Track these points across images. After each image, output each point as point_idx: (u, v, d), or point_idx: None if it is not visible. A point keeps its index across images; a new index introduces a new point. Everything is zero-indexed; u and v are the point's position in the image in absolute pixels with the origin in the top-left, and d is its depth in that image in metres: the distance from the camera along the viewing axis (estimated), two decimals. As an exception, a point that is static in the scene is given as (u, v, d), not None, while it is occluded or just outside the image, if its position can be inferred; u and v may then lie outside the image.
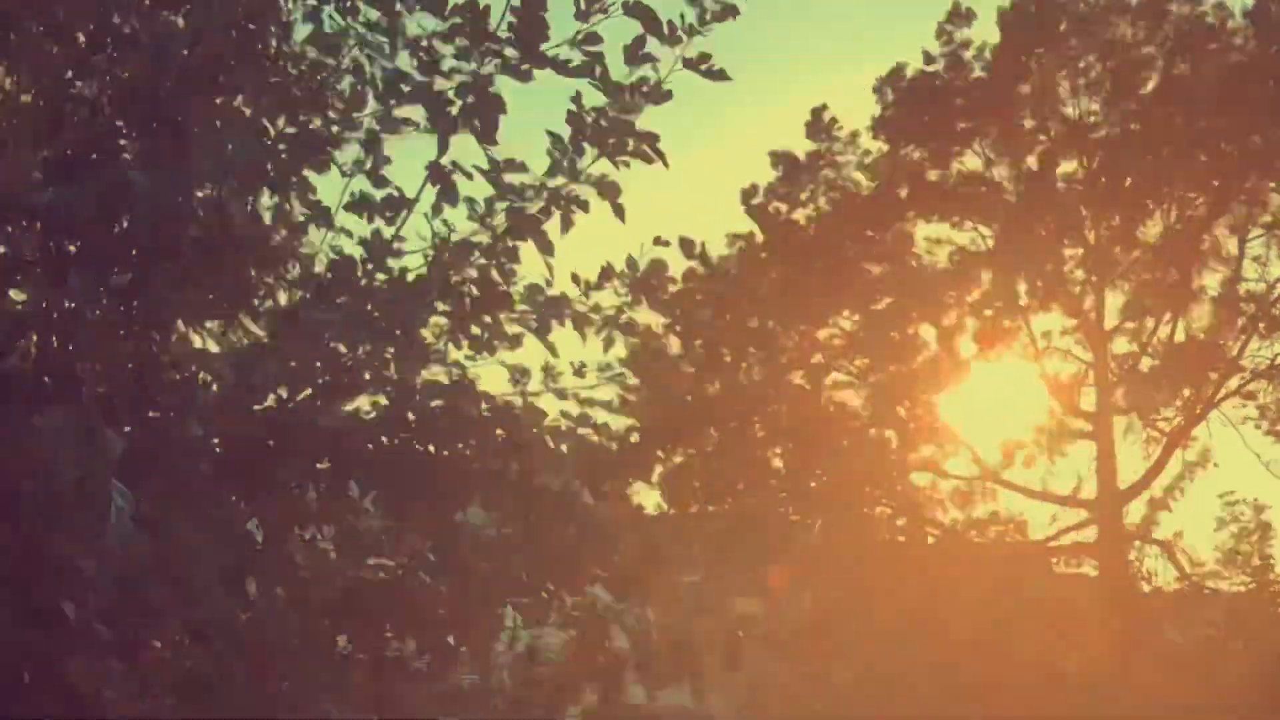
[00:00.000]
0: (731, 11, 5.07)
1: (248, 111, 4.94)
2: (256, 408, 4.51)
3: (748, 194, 31.98)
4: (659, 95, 5.08)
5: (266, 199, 5.04)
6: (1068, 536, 31.24)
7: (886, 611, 25.72)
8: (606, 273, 5.22)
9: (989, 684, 26.11)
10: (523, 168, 5.05)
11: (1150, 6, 29.96)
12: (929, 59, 30.85)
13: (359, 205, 5.17)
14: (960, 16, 30.81)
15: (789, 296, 30.34)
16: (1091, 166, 30.46)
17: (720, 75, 5.08)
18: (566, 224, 5.07)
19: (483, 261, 4.99)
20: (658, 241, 5.28)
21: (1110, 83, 30.19)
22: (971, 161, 31.16)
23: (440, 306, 4.89)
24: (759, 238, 31.72)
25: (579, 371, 5.03)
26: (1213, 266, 30.82)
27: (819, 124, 31.85)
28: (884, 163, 31.42)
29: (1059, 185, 30.77)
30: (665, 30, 4.99)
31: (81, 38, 4.86)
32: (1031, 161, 30.77)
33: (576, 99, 5.04)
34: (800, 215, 31.79)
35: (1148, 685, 26.39)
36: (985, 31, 31.66)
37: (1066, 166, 30.90)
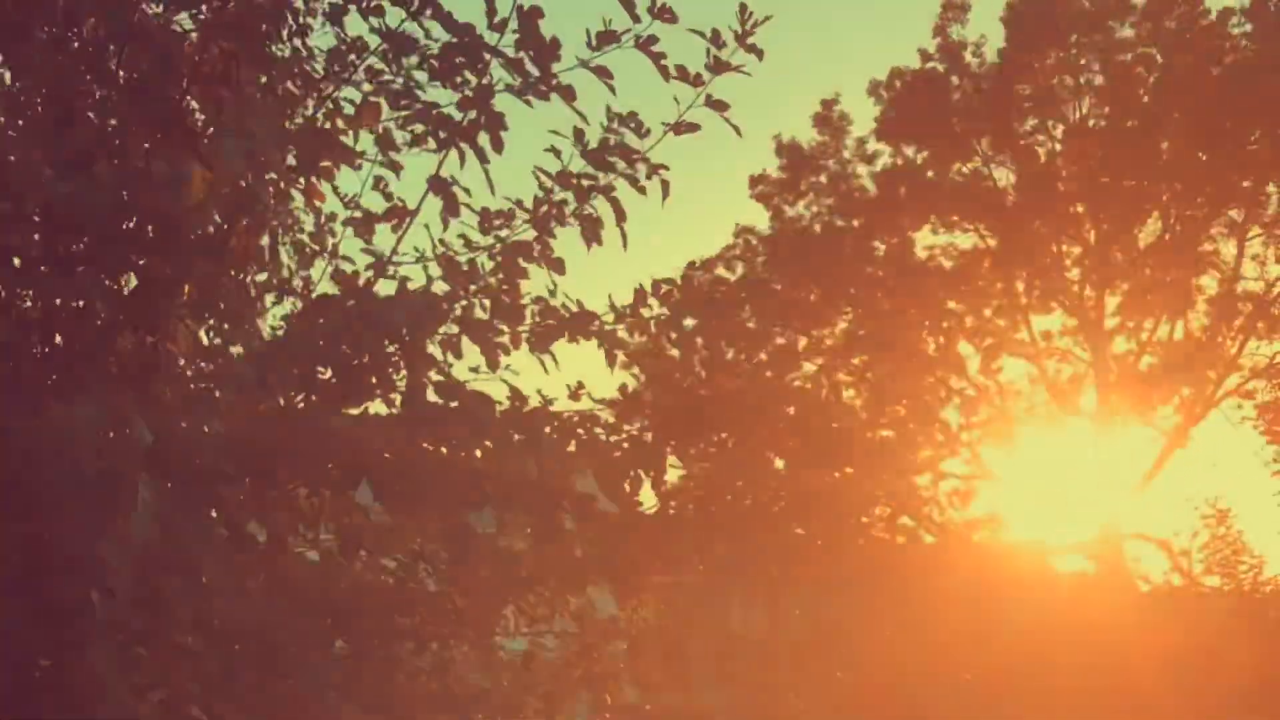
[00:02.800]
0: (740, 69, 5.12)
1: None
2: (268, 407, 4.54)
3: (755, 181, 32.03)
4: (683, 128, 5.16)
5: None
6: (1067, 536, 31.34)
7: (886, 611, 25.75)
8: (641, 295, 5.24)
9: (989, 683, 26.14)
10: (511, 215, 5.11)
11: (1150, 6, 30.00)
12: (926, 57, 30.90)
13: (362, 222, 5.22)
14: (955, 9, 30.82)
15: (789, 296, 30.40)
16: (1091, 166, 30.48)
17: (735, 128, 5.15)
18: (589, 242, 5.11)
19: (491, 280, 5.01)
20: (668, 281, 5.33)
21: (1110, 82, 30.22)
22: (971, 162, 31.20)
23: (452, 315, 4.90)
24: (761, 232, 31.81)
25: (575, 395, 5.05)
26: (1211, 266, 30.89)
27: (828, 117, 31.83)
28: (884, 163, 31.50)
29: (1059, 185, 30.81)
30: (673, 72, 5.05)
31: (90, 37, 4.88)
32: (1031, 162, 30.81)
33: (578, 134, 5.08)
34: (803, 210, 31.85)
35: (1147, 684, 26.42)
36: (982, 26, 31.75)
37: (1066, 166, 30.94)
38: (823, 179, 31.74)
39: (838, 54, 49.50)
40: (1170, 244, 30.56)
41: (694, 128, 5.16)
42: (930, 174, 31.21)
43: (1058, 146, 30.87)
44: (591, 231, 5.11)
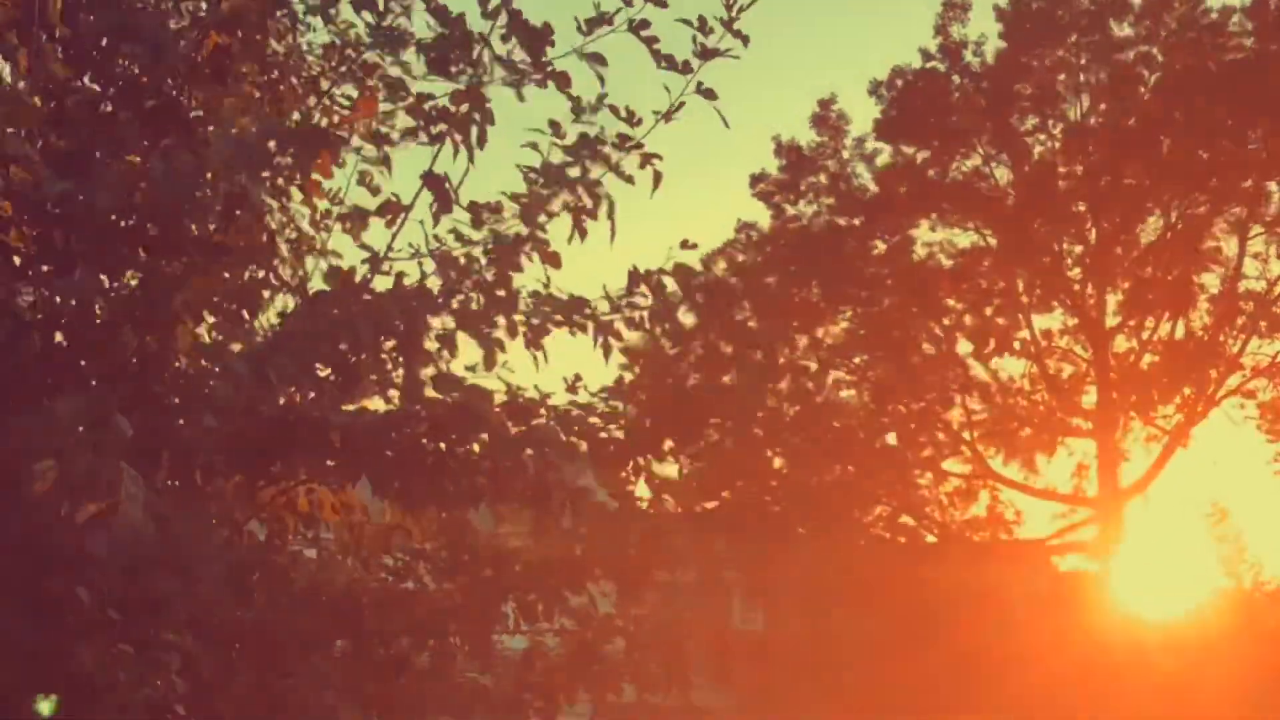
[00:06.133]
0: (729, 55, 5.12)
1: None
2: (266, 405, 4.52)
3: (756, 180, 32.02)
4: (671, 114, 5.14)
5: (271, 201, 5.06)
6: (1069, 534, 31.33)
7: (886, 611, 25.75)
8: (634, 278, 5.18)
9: (990, 683, 26.13)
10: (499, 209, 5.07)
11: (1150, 5, 29.98)
12: (927, 57, 30.89)
13: (356, 217, 5.21)
14: (956, 8, 30.81)
15: (789, 295, 30.41)
16: (1091, 165, 30.46)
17: (723, 118, 5.16)
18: (582, 233, 5.08)
19: (486, 274, 4.98)
20: (684, 245, 5.27)
21: (1110, 81, 30.20)
22: (972, 160, 31.18)
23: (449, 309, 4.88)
24: (763, 229, 31.80)
25: (572, 387, 5.02)
26: (1213, 265, 30.87)
27: (826, 117, 31.81)
28: (884, 162, 31.49)
29: (1059, 184, 30.79)
30: (664, 55, 5.04)
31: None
32: (1031, 160, 30.79)
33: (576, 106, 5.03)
34: (803, 209, 31.84)
35: (1146, 683, 26.40)
36: (982, 25, 31.70)
37: (1067, 165, 30.92)
38: (822, 178, 31.72)
39: (838, 54, 49.53)
40: (1171, 243, 30.54)
41: (680, 105, 5.16)
42: (931, 173, 31.18)
43: (1058, 145, 30.85)
44: (578, 225, 5.08)
